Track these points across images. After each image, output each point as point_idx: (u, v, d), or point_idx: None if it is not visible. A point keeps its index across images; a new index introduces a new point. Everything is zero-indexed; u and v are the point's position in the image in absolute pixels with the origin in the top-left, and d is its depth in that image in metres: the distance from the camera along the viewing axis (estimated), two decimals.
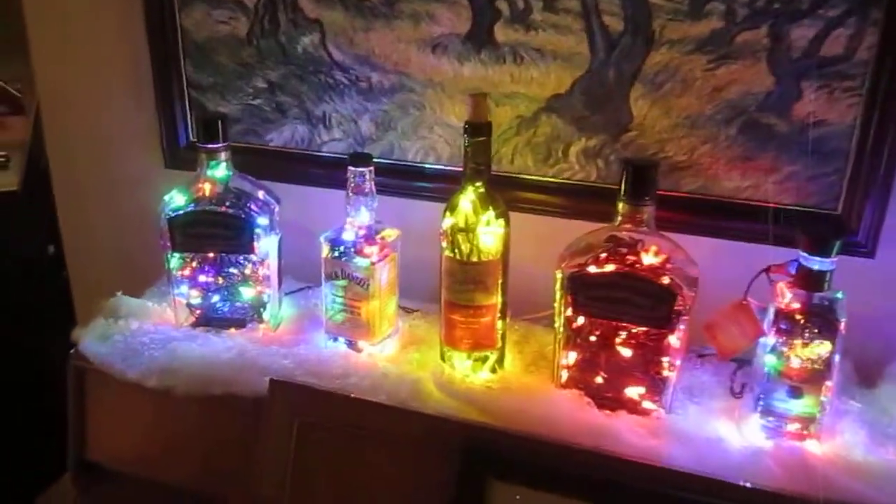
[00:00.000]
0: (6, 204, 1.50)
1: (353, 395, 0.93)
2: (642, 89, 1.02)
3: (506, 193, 0.99)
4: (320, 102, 1.19)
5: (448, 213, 0.95)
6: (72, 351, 1.07)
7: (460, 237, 0.93)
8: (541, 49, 1.05)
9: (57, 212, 1.46)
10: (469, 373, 0.98)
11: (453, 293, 0.95)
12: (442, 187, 1.14)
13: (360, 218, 1.02)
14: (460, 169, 1.11)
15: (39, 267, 1.60)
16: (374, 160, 1.02)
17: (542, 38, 1.04)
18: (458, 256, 0.94)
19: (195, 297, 1.11)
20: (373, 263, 1.00)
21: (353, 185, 1.00)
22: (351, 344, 1.05)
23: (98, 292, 1.18)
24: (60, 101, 1.36)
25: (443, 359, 1.01)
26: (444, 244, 0.95)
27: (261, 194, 1.09)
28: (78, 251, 1.48)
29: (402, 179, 1.16)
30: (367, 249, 1.00)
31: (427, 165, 1.16)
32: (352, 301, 1.02)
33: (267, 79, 1.20)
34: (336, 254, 1.01)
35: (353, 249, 1.01)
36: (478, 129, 0.90)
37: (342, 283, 1.01)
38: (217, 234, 1.06)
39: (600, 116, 1.05)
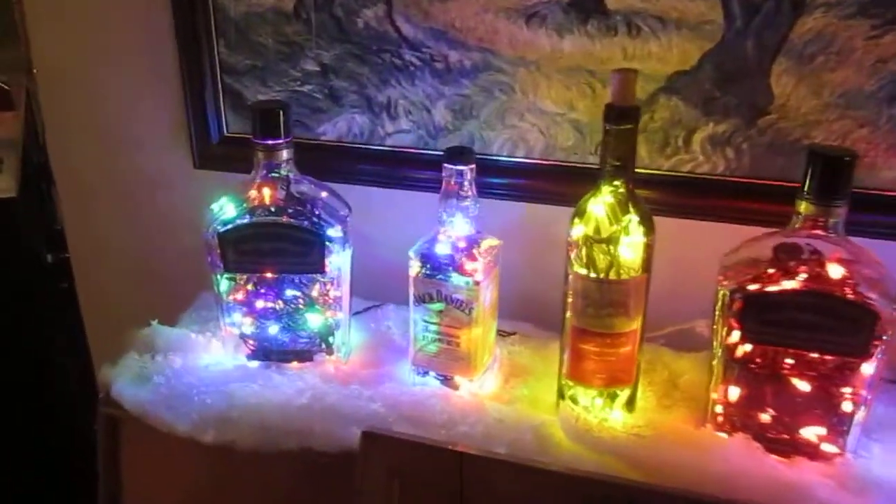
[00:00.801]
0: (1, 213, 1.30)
1: (466, 450, 0.75)
2: (787, 63, 0.86)
3: None
4: (384, 87, 1.00)
5: (577, 220, 0.77)
6: (101, 395, 0.89)
7: (597, 250, 0.75)
8: (662, 17, 0.88)
9: (57, 218, 1.27)
10: (602, 414, 0.80)
11: (587, 318, 0.77)
12: (525, 183, 0.99)
13: (456, 227, 0.83)
14: (551, 162, 0.97)
15: (37, 278, 1.40)
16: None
17: (664, 4, 0.87)
18: (592, 273, 0.76)
19: (248, 326, 0.92)
20: (476, 283, 0.81)
21: (449, 186, 0.82)
22: (445, 380, 0.87)
23: (116, 317, 1.01)
24: (64, 92, 1.16)
25: (561, 396, 0.84)
26: (573, 258, 0.77)
27: (324, 195, 0.90)
28: (88, 267, 1.28)
29: (481, 176, 0.98)
30: (469, 266, 0.82)
31: (515, 159, 0.99)
32: (449, 328, 0.84)
33: (319, 60, 1.01)
34: (428, 271, 0.83)
35: (450, 266, 0.83)
36: (624, 115, 0.72)
37: (437, 306, 0.83)
38: (280, 251, 0.86)
39: (733, 97, 0.89)
